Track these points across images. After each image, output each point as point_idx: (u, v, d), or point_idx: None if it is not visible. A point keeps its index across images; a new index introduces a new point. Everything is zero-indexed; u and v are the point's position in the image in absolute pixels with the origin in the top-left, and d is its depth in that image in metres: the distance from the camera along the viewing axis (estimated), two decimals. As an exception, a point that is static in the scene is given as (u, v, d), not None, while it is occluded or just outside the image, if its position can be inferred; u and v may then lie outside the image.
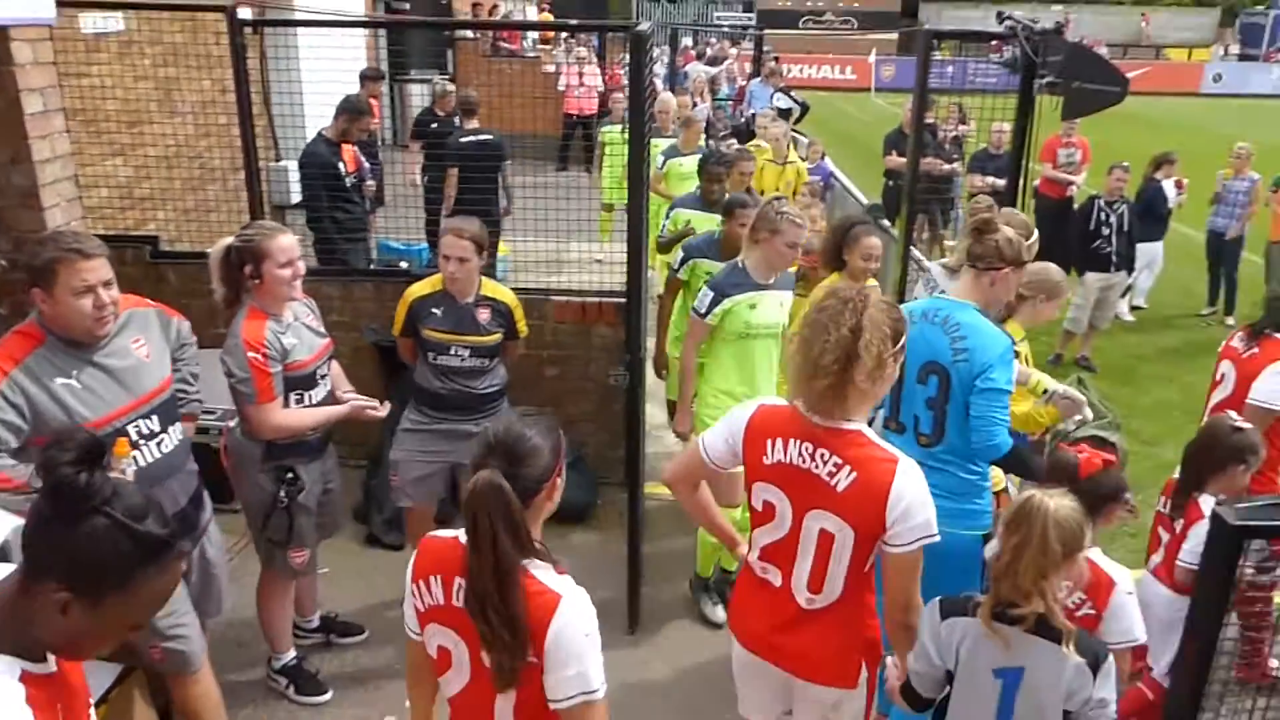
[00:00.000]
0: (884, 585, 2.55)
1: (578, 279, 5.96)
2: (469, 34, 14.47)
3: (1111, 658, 2.40)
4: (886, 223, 7.36)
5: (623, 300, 4.82)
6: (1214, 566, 2.95)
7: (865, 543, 2.46)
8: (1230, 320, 9.34)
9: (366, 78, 8.76)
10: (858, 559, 2.49)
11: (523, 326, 4.19)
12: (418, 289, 4.03)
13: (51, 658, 1.57)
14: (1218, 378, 4.22)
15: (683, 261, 4.83)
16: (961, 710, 2.48)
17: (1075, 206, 8.94)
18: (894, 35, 35.40)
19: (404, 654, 4.16)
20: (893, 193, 9.50)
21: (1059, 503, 2.35)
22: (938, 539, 2.45)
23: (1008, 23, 4.71)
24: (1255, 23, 39.34)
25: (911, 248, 5.74)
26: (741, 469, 2.64)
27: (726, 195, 5.38)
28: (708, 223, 5.34)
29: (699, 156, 6.56)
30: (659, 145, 8.02)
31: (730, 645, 4.30)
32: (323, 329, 3.73)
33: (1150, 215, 8.87)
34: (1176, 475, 3.59)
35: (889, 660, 2.71)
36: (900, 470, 2.42)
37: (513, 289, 4.77)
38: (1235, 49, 38.27)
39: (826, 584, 2.53)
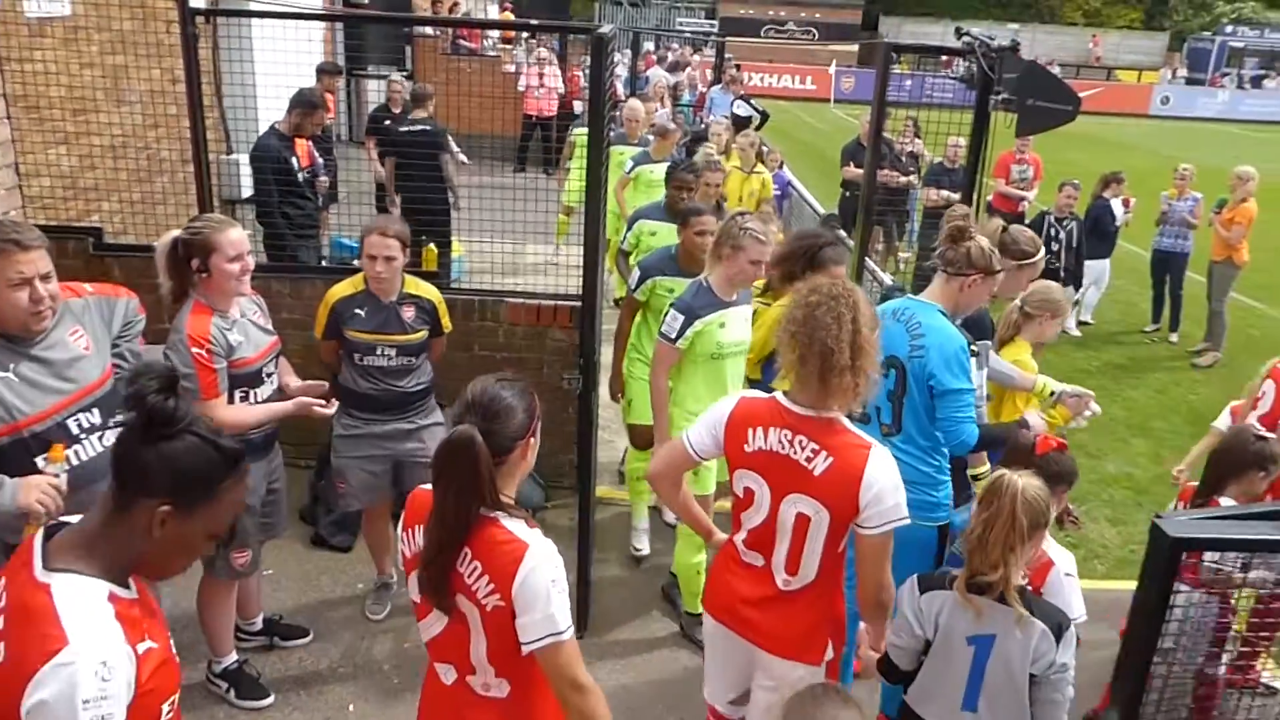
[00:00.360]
0: (857, 566, 2.67)
1: (534, 282, 5.92)
2: (428, 31, 14.32)
3: (1073, 626, 2.61)
4: (842, 233, 7.42)
5: (578, 304, 4.80)
6: (1153, 577, 3.02)
7: (839, 525, 2.59)
8: (1174, 338, 9.57)
9: (323, 72, 8.66)
10: (832, 541, 2.62)
11: (447, 322, 4.16)
12: (339, 290, 3.96)
13: (133, 584, 1.75)
14: (1259, 394, 4.40)
15: (640, 281, 4.65)
16: (936, 675, 2.70)
17: (1027, 222, 9.09)
18: (854, 47, 35.82)
19: (348, 657, 4.14)
20: (849, 203, 9.58)
21: (1028, 482, 2.55)
22: (908, 522, 2.59)
23: (965, 39, 4.77)
24: (1202, 48, 40.46)
25: (866, 259, 5.79)
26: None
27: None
28: (672, 234, 5.13)
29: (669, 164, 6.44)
30: (624, 152, 7.98)
31: (678, 651, 4.34)
32: (270, 327, 3.67)
33: (1098, 233, 9.05)
34: (1192, 484, 3.82)
35: (861, 626, 2.85)
36: (873, 456, 2.55)
37: (467, 290, 4.71)
38: (1183, 72, 39.29)
39: (803, 566, 2.66)
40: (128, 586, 1.73)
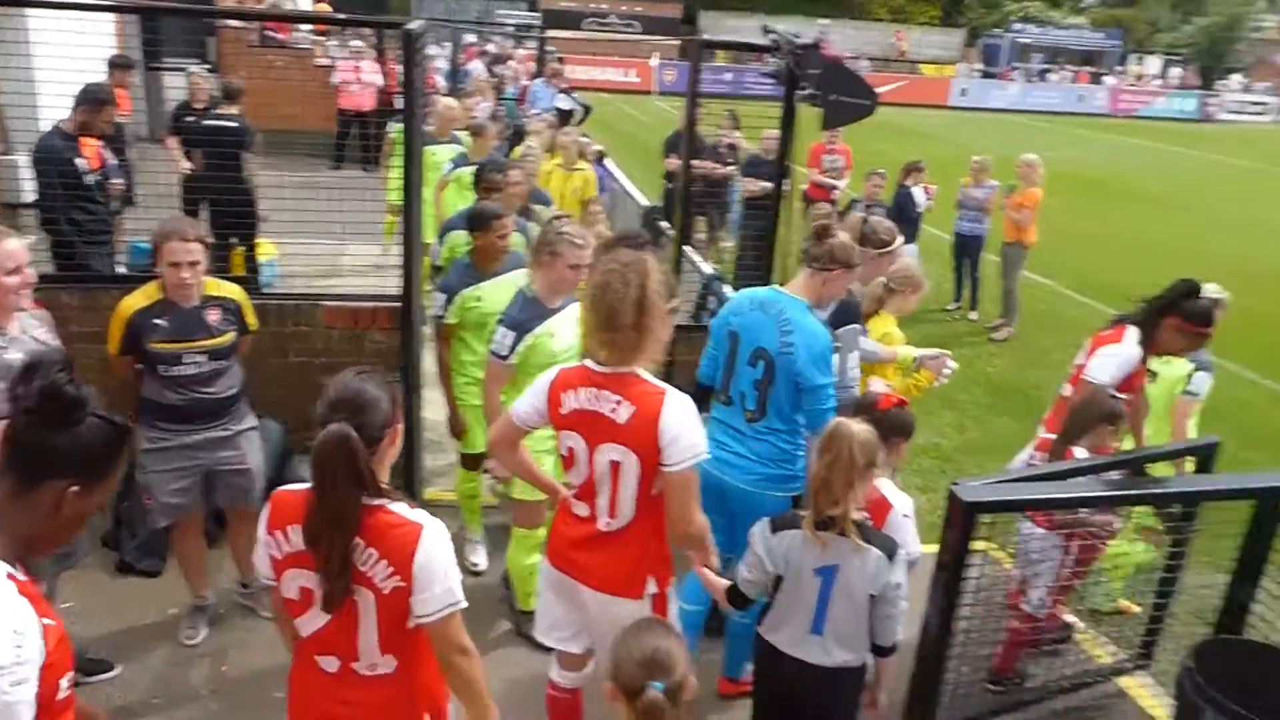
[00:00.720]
0: (666, 503, 2.87)
1: (354, 284, 5.75)
2: (233, 21, 13.59)
3: (904, 550, 3.00)
4: (666, 224, 7.55)
5: (398, 305, 4.70)
6: (952, 540, 3.28)
7: (648, 467, 2.82)
8: (973, 315, 10.27)
9: (114, 65, 8.13)
10: (645, 483, 2.85)
11: (252, 320, 4.04)
12: (133, 302, 3.74)
13: (19, 567, 1.77)
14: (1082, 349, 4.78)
15: (446, 303, 4.48)
16: (787, 606, 3.03)
17: (838, 209, 9.52)
18: (675, 40, 36.42)
19: (160, 687, 3.94)
20: (673, 194, 9.75)
21: (860, 427, 2.92)
22: (706, 456, 2.87)
23: (771, 36, 4.95)
24: (994, 44, 43.52)
25: (687, 248, 5.93)
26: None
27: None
28: None
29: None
30: (437, 153, 7.76)
31: (515, 650, 4.34)
32: (57, 342, 3.43)
33: (902, 219, 9.54)
34: (1046, 435, 4.30)
35: (693, 555, 3.10)
36: (668, 400, 2.80)
37: (281, 294, 4.52)
38: (979, 66, 42.06)
39: (619, 507, 2.89)
40: (15, 567, 1.76)
